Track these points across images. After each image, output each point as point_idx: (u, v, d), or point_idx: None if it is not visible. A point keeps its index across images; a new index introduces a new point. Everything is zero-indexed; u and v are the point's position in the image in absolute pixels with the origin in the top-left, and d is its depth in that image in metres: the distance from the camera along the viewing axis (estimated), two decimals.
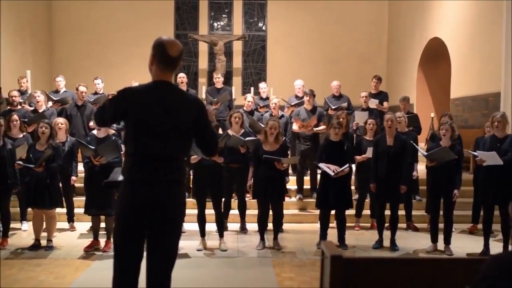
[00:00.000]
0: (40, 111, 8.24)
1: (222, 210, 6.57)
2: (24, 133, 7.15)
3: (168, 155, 3.01)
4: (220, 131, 7.01)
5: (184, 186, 3.21)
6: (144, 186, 2.99)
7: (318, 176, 6.80)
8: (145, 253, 3.07)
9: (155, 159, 2.98)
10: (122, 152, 6.34)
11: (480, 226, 6.74)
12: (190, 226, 7.18)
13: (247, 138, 6.82)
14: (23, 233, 7.10)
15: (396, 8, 13.84)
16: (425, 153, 6.32)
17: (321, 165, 6.24)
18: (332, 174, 6.12)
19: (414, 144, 6.54)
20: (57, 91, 9.26)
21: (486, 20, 9.17)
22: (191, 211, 7.30)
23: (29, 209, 6.65)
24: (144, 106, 2.99)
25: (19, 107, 8.41)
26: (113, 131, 6.68)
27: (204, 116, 3.15)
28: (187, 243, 6.52)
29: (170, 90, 3.05)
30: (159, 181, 2.98)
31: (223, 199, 6.61)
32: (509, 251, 1.93)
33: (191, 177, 7.89)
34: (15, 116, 7.12)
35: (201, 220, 6.34)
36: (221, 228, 6.41)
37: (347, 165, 6.22)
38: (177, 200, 3.05)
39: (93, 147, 6.04)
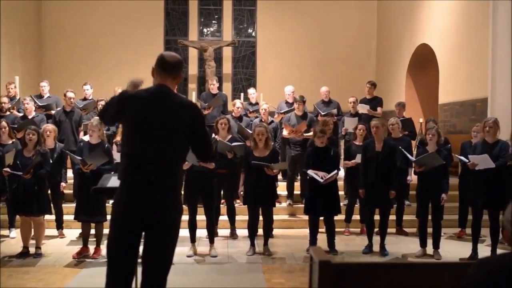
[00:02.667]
0: (30, 117, 8.19)
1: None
2: (13, 140, 7.10)
3: (161, 158, 3.02)
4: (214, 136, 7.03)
5: (179, 192, 3.21)
6: (136, 188, 3.00)
7: None
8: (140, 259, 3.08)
9: (147, 162, 2.99)
10: (116, 160, 6.34)
11: (468, 231, 6.79)
12: (180, 232, 7.15)
13: (234, 144, 6.83)
14: (12, 240, 7.02)
15: (385, 14, 13.95)
16: (413, 159, 6.38)
17: (310, 172, 6.27)
18: (321, 180, 6.15)
19: (403, 150, 6.58)
20: (40, 96, 9.20)
21: (473, 27, 9.28)
22: (183, 217, 7.31)
23: (18, 216, 6.60)
24: (140, 108, 3.05)
25: (7, 113, 8.36)
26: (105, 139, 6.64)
27: (200, 121, 3.19)
28: (177, 249, 6.40)
29: (167, 94, 3.10)
30: (151, 183, 2.98)
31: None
32: (496, 255, 1.96)
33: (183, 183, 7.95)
34: (4, 123, 7.07)
35: (192, 226, 6.33)
36: (212, 234, 6.40)
37: (335, 171, 6.25)
38: (170, 206, 3.05)
39: (79, 157, 6.03)
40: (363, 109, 8.89)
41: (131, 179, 3.04)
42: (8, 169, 6.24)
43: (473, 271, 1.90)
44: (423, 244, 6.37)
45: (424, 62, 11.67)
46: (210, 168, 6.16)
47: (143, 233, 3.09)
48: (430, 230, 6.35)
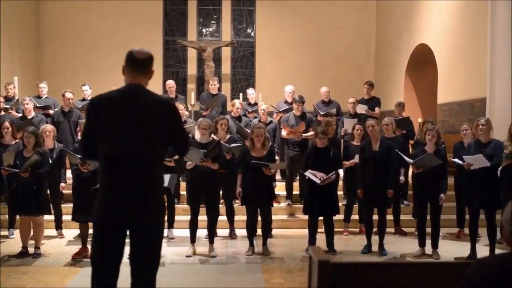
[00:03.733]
0: (29, 117, 8.19)
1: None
2: (17, 140, 7.09)
3: (138, 158, 2.97)
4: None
5: (160, 192, 3.14)
6: (116, 191, 2.97)
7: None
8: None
9: (124, 163, 2.95)
10: None
11: (466, 230, 6.80)
12: (179, 232, 7.18)
13: (232, 145, 6.86)
14: (11, 240, 7.03)
15: (384, 15, 13.97)
16: (411, 161, 6.38)
17: (307, 173, 6.27)
18: (319, 181, 6.15)
19: (400, 153, 6.57)
20: (39, 97, 9.22)
21: (472, 27, 9.30)
22: (181, 217, 7.33)
23: (17, 216, 6.60)
24: (112, 109, 3.00)
25: (3, 113, 8.35)
26: None
27: (176, 118, 3.12)
28: (177, 249, 6.51)
29: (140, 93, 3.03)
30: (130, 186, 2.94)
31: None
32: (494, 254, 1.97)
33: (181, 183, 7.95)
34: (7, 123, 7.07)
35: (193, 226, 6.34)
36: (212, 234, 6.41)
37: (333, 172, 6.26)
38: (152, 207, 3.00)
39: (79, 156, 6.03)
40: (361, 109, 8.91)
41: (109, 182, 3.00)
42: (6, 167, 6.23)
43: (472, 270, 1.91)
44: (422, 244, 6.38)
45: (422, 62, 11.68)
46: (213, 169, 6.17)
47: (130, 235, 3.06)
48: (428, 230, 6.35)
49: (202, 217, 6.37)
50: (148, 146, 3.00)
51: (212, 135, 6.70)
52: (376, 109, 9.23)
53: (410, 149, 7.63)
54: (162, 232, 3.17)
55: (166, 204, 7.02)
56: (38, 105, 8.68)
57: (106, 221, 2.99)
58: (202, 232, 6.63)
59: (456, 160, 6.50)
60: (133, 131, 2.97)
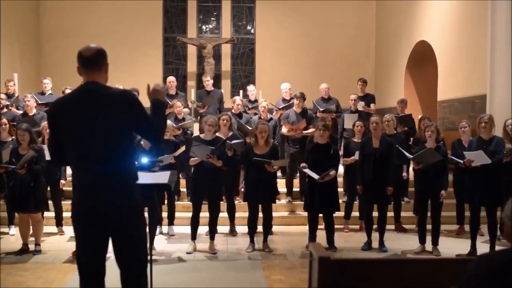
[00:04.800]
0: (30, 114, 8.19)
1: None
2: (13, 137, 7.09)
3: (103, 157, 2.93)
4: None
5: (133, 188, 3.05)
6: (86, 191, 2.95)
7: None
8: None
9: (91, 162, 2.93)
10: None
11: (467, 228, 6.81)
12: (179, 229, 7.19)
13: (233, 141, 6.85)
14: (11, 237, 7.03)
15: (384, 12, 13.94)
16: (411, 156, 6.38)
17: (306, 170, 6.26)
18: (317, 178, 6.14)
19: (400, 148, 6.58)
20: (42, 93, 9.21)
21: (472, 24, 9.28)
22: (181, 214, 7.34)
23: (16, 214, 6.60)
24: (68, 112, 2.98)
25: (5, 110, 8.34)
26: None
27: (135, 106, 3.01)
28: (177, 246, 6.52)
29: (94, 90, 2.98)
30: (99, 184, 2.91)
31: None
32: (495, 251, 1.96)
33: (181, 180, 7.96)
34: (4, 120, 7.06)
35: (194, 223, 6.34)
36: (213, 230, 6.41)
37: (331, 168, 6.24)
38: (124, 204, 2.96)
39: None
40: (359, 105, 8.96)
41: (80, 182, 3.00)
42: (3, 165, 6.23)
43: (474, 266, 1.91)
44: (422, 241, 6.38)
45: (423, 59, 11.66)
46: (218, 165, 6.17)
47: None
48: (429, 227, 6.36)
49: (203, 214, 6.37)
50: (111, 142, 2.95)
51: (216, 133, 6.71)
52: (372, 105, 9.27)
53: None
54: (141, 229, 3.10)
55: (166, 201, 7.13)
56: (40, 102, 8.67)
57: (81, 221, 2.98)
58: (202, 229, 6.63)
59: (454, 157, 6.48)
60: (94, 128, 2.92)
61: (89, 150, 2.94)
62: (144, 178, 4.08)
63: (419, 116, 10.70)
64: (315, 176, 6.14)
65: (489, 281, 1.84)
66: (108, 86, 3.07)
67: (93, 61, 3.02)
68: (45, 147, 6.67)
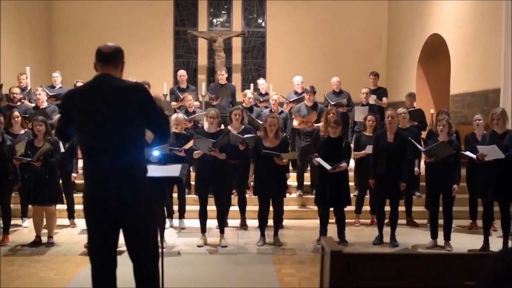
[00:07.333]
0: (42, 107, 8.24)
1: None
2: (26, 130, 7.15)
3: (114, 148, 2.95)
4: (222, 127, 7.04)
5: (143, 180, 3.06)
6: (97, 185, 2.98)
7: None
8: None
9: (101, 154, 2.96)
10: None
11: (479, 223, 6.75)
12: (190, 222, 7.21)
13: (246, 136, 6.84)
14: (24, 229, 7.11)
15: (396, 4, 13.81)
16: (423, 149, 6.33)
17: (318, 159, 6.24)
18: (329, 168, 6.12)
19: (413, 141, 6.54)
20: (53, 87, 9.27)
21: (486, 17, 9.16)
22: (191, 207, 7.35)
23: (30, 206, 6.66)
24: (82, 102, 3.01)
25: (19, 103, 8.42)
26: None
27: (148, 101, 3.06)
28: (188, 240, 6.54)
29: (108, 82, 3.01)
30: (109, 175, 2.93)
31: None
32: None
33: (192, 174, 7.97)
34: (16, 113, 7.12)
35: (203, 216, 6.35)
36: (222, 224, 6.42)
37: (343, 161, 6.21)
38: (135, 197, 2.98)
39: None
40: (370, 99, 8.91)
41: (90, 172, 3.01)
42: (19, 157, 6.28)
43: (493, 262, 1.85)
44: (434, 236, 6.35)
45: (435, 53, 11.55)
46: (221, 158, 6.17)
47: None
48: (441, 221, 6.31)
49: (212, 208, 6.38)
50: (123, 133, 2.97)
51: (222, 125, 6.70)
52: (384, 99, 9.21)
53: (422, 142, 7.57)
54: (151, 221, 3.12)
55: (177, 194, 7.15)
56: (50, 94, 8.73)
57: (92, 213, 3.00)
58: (213, 222, 6.64)
59: (468, 153, 6.42)
60: (106, 120, 2.95)
61: (101, 141, 2.96)
62: (155, 171, 4.09)
63: (431, 111, 10.68)
64: (327, 166, 6.11)
65: (508, 280, 1.79)
66: (121, 79, 3.10)
67: (111, 58, 3.07)
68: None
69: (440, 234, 6.31)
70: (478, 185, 6.45)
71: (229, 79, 12.59)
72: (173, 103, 9.00)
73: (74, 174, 7.10)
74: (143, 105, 3.01)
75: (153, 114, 3.07)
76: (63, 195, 6.68)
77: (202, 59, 14.41)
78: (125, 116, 2.97)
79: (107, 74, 3.04)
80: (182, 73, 9.48)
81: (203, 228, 6.39)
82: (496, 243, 6.20)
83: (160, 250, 3.41)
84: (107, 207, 2.95)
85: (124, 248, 3.12)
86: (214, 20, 14.69)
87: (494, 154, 5.93)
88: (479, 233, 6.49)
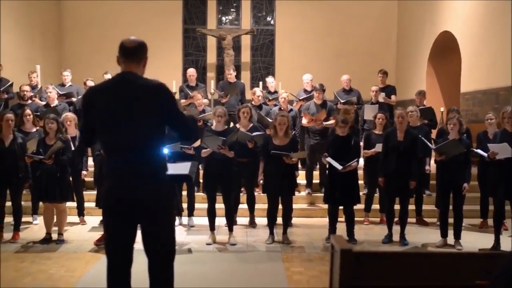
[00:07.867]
0: (53, 105, 8.29)
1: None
2: (37, 127, 7.20)
3: (134, 146, 2.96)
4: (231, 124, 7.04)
5: (163, 178, 3.08)
6: (118, 179, 2.99)
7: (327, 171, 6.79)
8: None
9: (123, 151, 2.97)
10: None
11: (490, 222, 6.70)
12: (199, 220, 7.23)
13: (255, 133, 6.84)
14: (35, 226, 7.17)
15: (406, 2, 13.73)
16: (434, 147, 6.30)
17: (329, 159, 6.23)
18: (340, 168, 6.11)
19: (423, 138, 6.51)
20: (63, 85, 9.34)
21: (497, 14, 9.09)
22: (200, 205, 7.37)
23: (41, 203, 6.71)
24: (105, 99, 3.00)
25: (29, 101, 8.48)
26: None
27: (170, 101, 3.06)
28: (197, 238, 6.55)
29: (131, 80, 3.01)
30: (130, 173, 2.95)
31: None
32: None
33: (201, 172, 7.98)
34: (28, 111, 7.17)
35: (211, 214, 6.37)
36: (231, 222, 6.43)
37: (355, 160, 6.21)
38: (154, 193, 2.99)
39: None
40: (379, 97, 8.89)
41: (111, 170, 3.03)
42: (31, 155, 6.33)
43: (507, 262, 1.83)
44: (444, 234, 6.31)
45: (445, 50, 11.47)
46: (229, 156, 6.18)
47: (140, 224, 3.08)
48: (451, 220, 6.27)
49: (221, 206, 6.39)
50: (144, 131, 2.98)
51: (231, 124, 6.70)
52: (393, 97, 9.19)
53: (432, 141, 7.53)
54: (170, 219, 3.17)
55: (186, 192, 7.16)
56: (61, 93, 8.79)
57: (112, 209, 3.02)
58: (222, 220, 6.65)
59: (479, 151, 6.38)
60: (127, 117, 2.95)
61: (122, 138, 2.97)
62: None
63: (441, 109, 10.61)
64: (338, 166, 6.10)
65: None
66: (145, 78, 3.10)
67: (134, 53, 3.06)
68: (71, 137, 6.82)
69: (450, 233, 6.27)
70: (489, 184, 6.41)
71: (238, 77, 12.59)
72: (183, 101, 9.04)
73: (84, 172, 7.14)
74: (166, 105, 3.03)
75: (175, 115, 3.10)
76: (73, 192, 6.72)
77: (211, 57, 14.42)
78: (148, 114, 2.98)
79: (130, 72, 3.04)
80: (191, 72, 9.50)
81: (212, 226, 6.40)
82: (507, 242, 6.15)
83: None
84: (128, 204, 2.96)
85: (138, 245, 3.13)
86: (223, 18, 14.70)
87: (505, 152, 5.89)
88: (490, 232, 6.45)
